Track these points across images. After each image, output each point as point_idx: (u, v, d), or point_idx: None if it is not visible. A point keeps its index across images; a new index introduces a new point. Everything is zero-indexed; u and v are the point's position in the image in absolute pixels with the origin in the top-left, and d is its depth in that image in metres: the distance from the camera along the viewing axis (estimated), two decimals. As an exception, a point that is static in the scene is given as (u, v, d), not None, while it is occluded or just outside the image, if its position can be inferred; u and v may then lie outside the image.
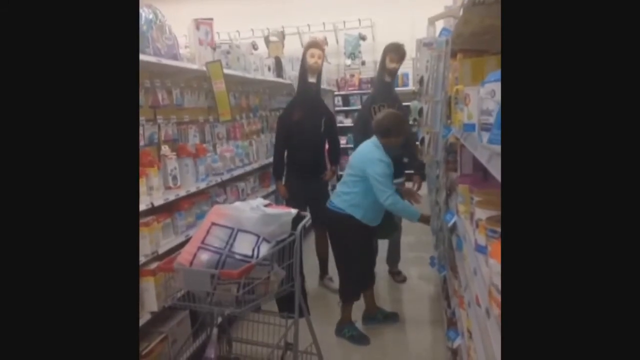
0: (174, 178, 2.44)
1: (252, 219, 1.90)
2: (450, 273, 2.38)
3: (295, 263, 2.05)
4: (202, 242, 1.85)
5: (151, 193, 2.19)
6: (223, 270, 1.77)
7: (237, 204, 2.11)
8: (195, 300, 1.92)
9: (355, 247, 2.62)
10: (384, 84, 3.38)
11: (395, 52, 3.29)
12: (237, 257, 1.81)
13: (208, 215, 2.00)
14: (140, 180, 2.12)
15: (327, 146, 3.49)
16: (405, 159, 3.55)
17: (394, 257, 3.62)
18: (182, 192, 2.44)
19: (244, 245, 1.84)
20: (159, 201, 2.19)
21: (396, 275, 3.60)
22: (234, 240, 1.85)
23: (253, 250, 1.83)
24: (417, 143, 4.51)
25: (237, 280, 1.77)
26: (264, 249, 1.86)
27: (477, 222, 1.39)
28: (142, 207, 2.05)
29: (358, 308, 2.82)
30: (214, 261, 1.81)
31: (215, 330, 1.99)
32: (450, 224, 2.12)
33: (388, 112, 2.73)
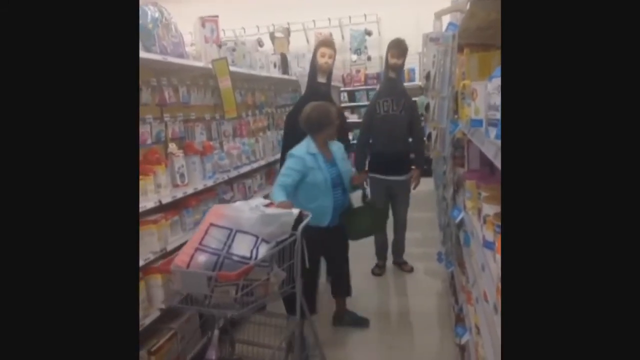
0: (182, 176, 2.45)
1: (251, 220, 1.87)
2: (458, 269, 2.38)
3: (296, 264, 2.01)
4: (200, 243, 1.82)
5: (159, 191, 2.21)
6: (220, 272, 1.74)
7: (237, 204, 2.08)
8: (194, 303, 1.88)
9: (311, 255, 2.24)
10: (388, 79, 3.40)
11: (396, 48, 3.28)
12: (235, 258, 1.78)
13: (207, 215, 1.98)
14: (148, 178, 2.13)
15: None
16: (412, 154, 3.53)
17: (397, 249, 3.67)
18: (190, 190, 2.45)
19: (242, 247, 1.81)
20: (166, 199, 2.20)
21: (403, 265, 3.64)
22: (232, 241, 1.82)
23: (251, 252, 1.80)
24: (425, 139, 4.50)
25: (236, 282, 1.74)
26: (263, 250, 1.82)
27: (484, 217, 1.39)
28: (150, 204, 2.06)
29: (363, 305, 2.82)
30: (211, 263, 1.77)
31: (216, 332, 1.93)
32: (457, 220, 2.11)
33: (312, 106, 2.54)
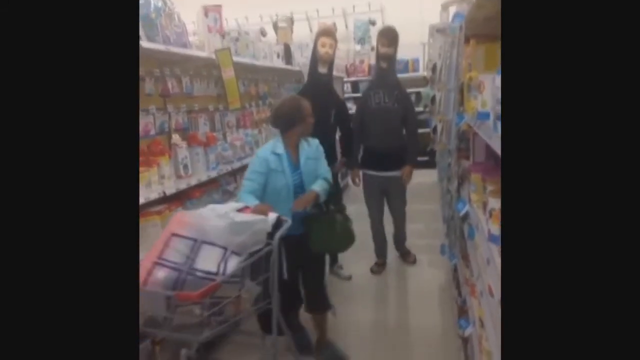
0: (185, 167, 2.45)
1: (218, 228, 1.63)
2: (462, 261, 2.37)
3: (273, 277, 1.79)
4: (159, 257, 1.59)
5: (163, 182, 2.21)
6: (180, 292, 1.51)
7: (204, 209, 1.85)
8: (155, 325, 1.62)
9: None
10: (380, 70, 3.25)
11: (386, 36, 3.14)
12: (200, 274, 1.55)
13: (169, 223, 1.75)
14: (152, 169, 2.13)
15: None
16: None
17: (399, 239, 3.60)
18: (193, 181, 2.45)
19: (208, 260, 1.59)
20: (170, 190, 2.20)
21: (406, 256, 3.58)
22: (197, 254, 1.60)
23: (219, 266, 1.58)
24: (430, 130, 4.47)
25: (199, 301, 1.54)
26: (233, 264, 1.60)
27: (490, 211, 1.38)
28: (154, 195, 2.06)
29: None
30: (171, 280, 1.54)
31: (183, 352, 1.73)
32: (462, 213, 2.10)
33: (282, 101, 2.35)
